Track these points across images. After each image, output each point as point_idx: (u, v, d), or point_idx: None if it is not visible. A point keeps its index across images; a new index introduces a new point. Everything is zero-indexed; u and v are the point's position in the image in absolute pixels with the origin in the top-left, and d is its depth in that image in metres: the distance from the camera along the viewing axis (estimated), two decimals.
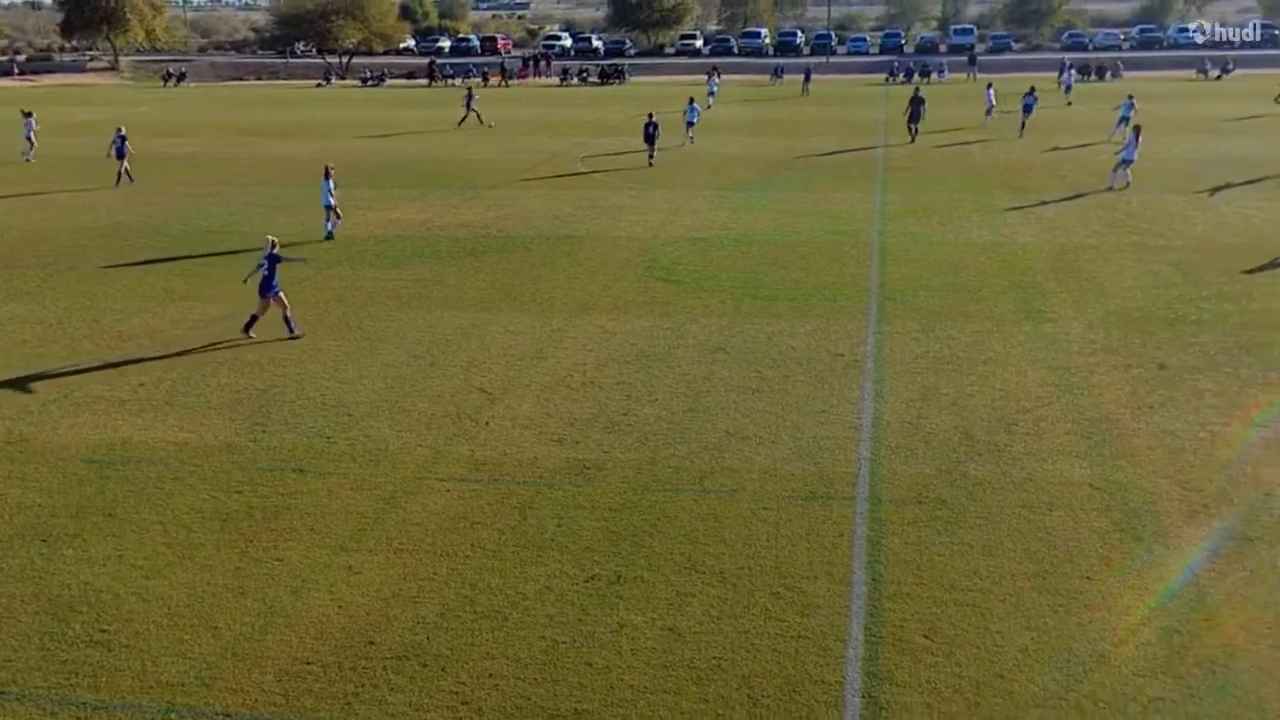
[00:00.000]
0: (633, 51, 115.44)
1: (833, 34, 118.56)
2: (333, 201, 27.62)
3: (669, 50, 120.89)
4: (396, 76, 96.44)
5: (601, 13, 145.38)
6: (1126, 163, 33.23)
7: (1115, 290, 21.58)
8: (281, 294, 19.25)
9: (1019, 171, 37.28)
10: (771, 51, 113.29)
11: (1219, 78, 79.82)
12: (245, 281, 19.92)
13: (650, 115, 40.63)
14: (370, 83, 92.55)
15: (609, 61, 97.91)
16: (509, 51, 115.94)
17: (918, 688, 9.36)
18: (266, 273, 18.92)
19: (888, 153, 43.17)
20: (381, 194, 34.26)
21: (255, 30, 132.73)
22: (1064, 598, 10.66)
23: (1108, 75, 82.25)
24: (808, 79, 75.32)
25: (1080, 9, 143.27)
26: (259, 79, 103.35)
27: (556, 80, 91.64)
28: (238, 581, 11.33)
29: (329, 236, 27.79)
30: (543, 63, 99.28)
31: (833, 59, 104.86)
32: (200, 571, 11.56)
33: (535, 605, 10.76)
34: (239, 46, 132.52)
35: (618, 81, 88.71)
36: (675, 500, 12.94)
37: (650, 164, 39.32)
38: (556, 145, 46.82)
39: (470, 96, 55.94)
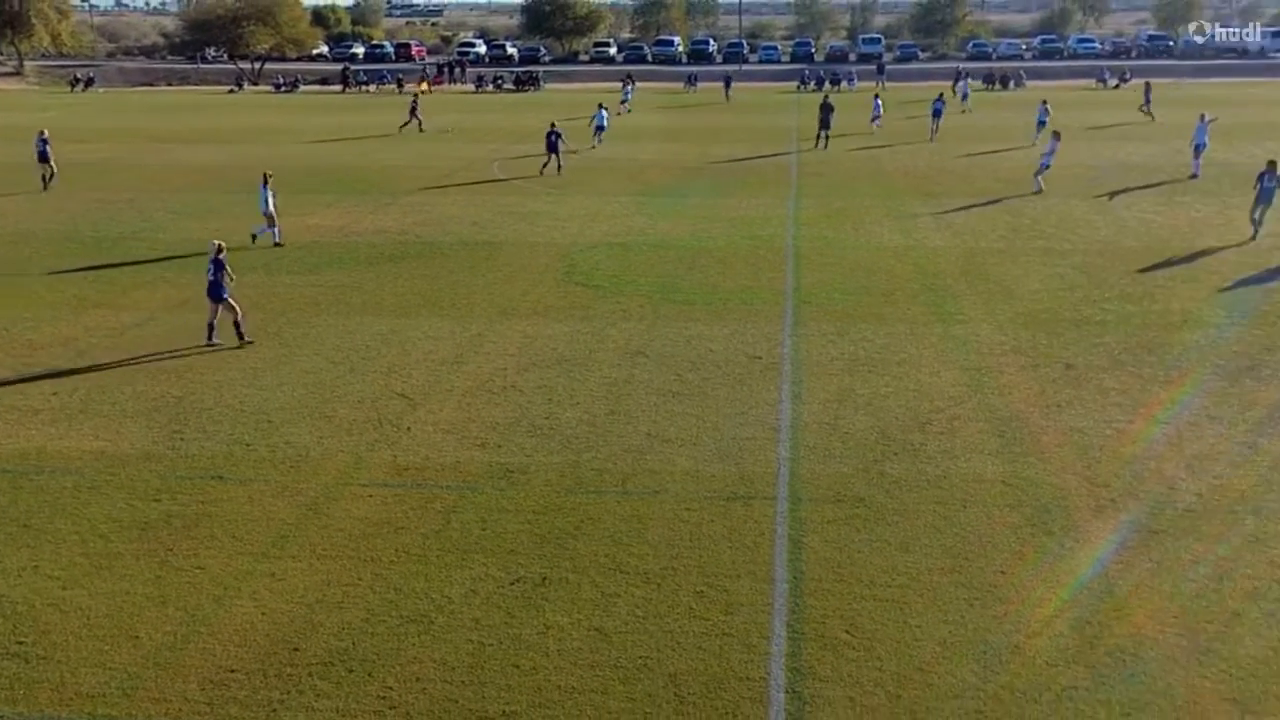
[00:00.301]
0: (547, 59, 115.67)
1: (745, 42, 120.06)
2: (271, 209, 27.26)
3: (583, 58, 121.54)
4: (310, 83, 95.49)
5: (515, 20, 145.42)
6: (1045, 167, 34.21)
7: (1022, 292, 22.13)
8: (232, 299, 18.96)
9: (928, 177, 38.04)
10: (685, 59, 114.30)
11: (1117, 86, 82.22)
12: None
13: (552, 124, 40.51)
14: (283, 89, 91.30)
15: (524, 68, 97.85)
16: (424, 58, 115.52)
17: (840, 682, 9.51)
18: (212, 277, 18.69)
19: (800, 159, 43.74)
20: (297, 200, 33.76)
21: (165, 35, 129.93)
22: (979, 591, 10.90)
23: (1011, 84, 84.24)
24: (728, 86, 76.41)
25: (984, 19, 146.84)
26: (169, 84, 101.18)
27: (472, 87, 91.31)
28: (158, 590, 11.13)
29: (276, 244, 27.45)
30: (458, 69, 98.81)
31: (745, 67, 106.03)
32: (119, 581, 11.33)
33: (461, 609, 10.74)
34: (148, 52, 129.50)
35: (533, 88, 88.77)
36: (599, 502, 13.00)
37: (559, 173, 39.14)
38: (473, 152, 46.61)
39: (415, 103, 56.01)
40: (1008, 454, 14.20)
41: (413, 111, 54.98)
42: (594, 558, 11.69)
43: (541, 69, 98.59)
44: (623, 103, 62.66)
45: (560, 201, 33.83)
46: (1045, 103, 48.41)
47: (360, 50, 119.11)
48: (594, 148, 46.48)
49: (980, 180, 37.09)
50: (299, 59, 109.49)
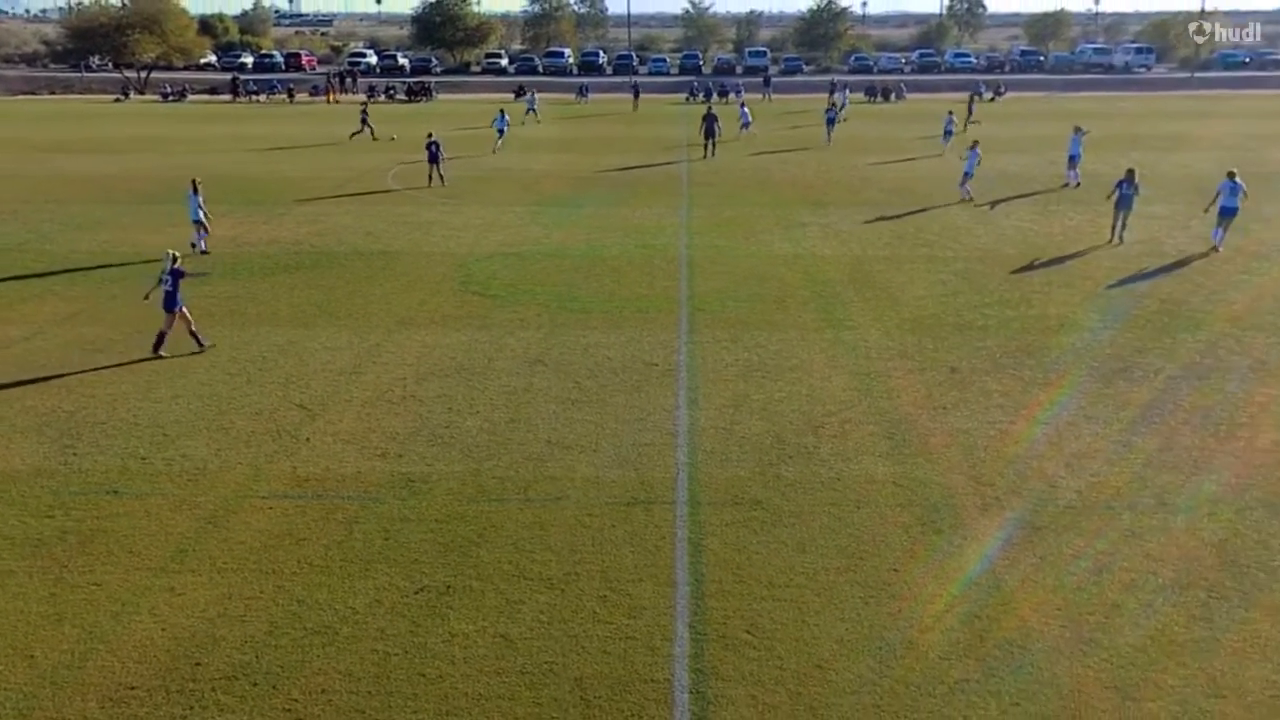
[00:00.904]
0: (439, 69, 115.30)
1: (634, 54, 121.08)
2: (202, 216, 27.03)
3: (475, 69, 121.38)
4: (199, 92, 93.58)
5: (406, 31, 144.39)
6: (969, 175, 35.27)
7: (908, 299, 22.75)
8: (184, 308, 18.82)
9: (815, 187, 38.78)
10: (575, 71, 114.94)
11: (992, 99, 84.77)
12: (146, 298, 19.22)
13: (430, 135, 40.48)
14: (172, 98, 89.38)
15: (416, 79, 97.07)
16: (314, 68, 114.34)
17: (742, 681, 9.71)
18: (169, 288, 18.50)
19: (691, 169, 44.24)
20: (187, 210, 33.03)
21: (46, 43, 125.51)
22: (874, 589, 11.22)
23: (892, 97, 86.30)
24: (637, 96, 78.58)
25: (865, 34, 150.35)
26: (53, 93, 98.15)
27: (364, 97, 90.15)
28: (53, 608, 10.86)
29: (203, 252, 27.10)
30: (348, 80, 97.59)
31: (636, 79, 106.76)
32: (12, 599, 11.03)
33: (365, 619, 10.70)
34: (30, 60, 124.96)
35: (425, 99, 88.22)
36: (501, 510, 13.04)
37: (443, 183, 38.93)
38: (366, 162, 46.12)
39: (365, 112, 56.21)
40: (898, 455, 14.61)
41: (364, 121, 55.21)
42: (498, 565, 11.73)
43: (434, 79, 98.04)
44: (528, 112, 62.66)
45: (455, 211, 33.69)
46: (951, 114, 50.73)
47: (249, 60, 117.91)
48: (495, 151, 48.28)
49: (865, 190, 37.97)
50: (186, 68, 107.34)
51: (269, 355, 19.02)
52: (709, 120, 48.14)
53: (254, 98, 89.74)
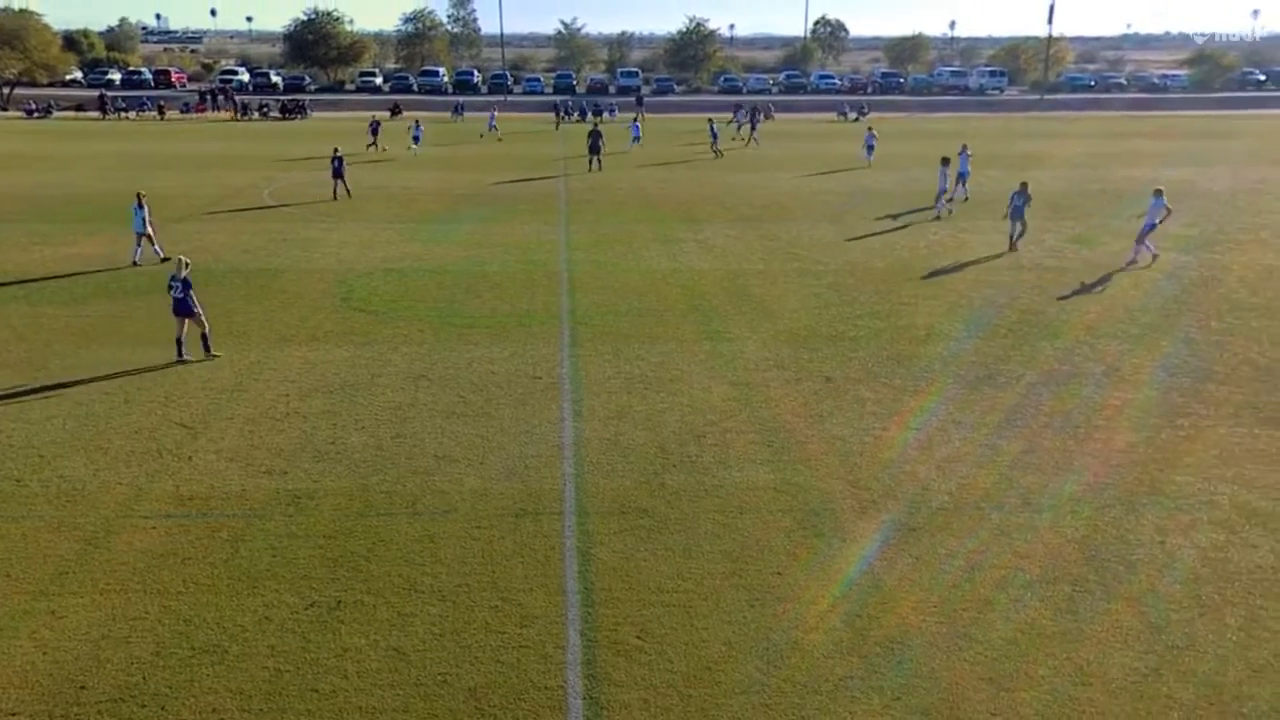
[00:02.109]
0: (313, 87, 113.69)
1: (509, 74, 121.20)
2: (148, 229, 26.94)
3: (349, 87, 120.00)
4: (65, 108, 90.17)
5: (279, 48, 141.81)
6: (944, 191, 36.65)
7: (782, 311, 23.30)
8: (201, 313, 19.38)
9: (690, 204, 39.37)
10: (450, 90, 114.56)
11: (856, 119, 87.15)
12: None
13: (335, 150, 40.56)
14: (36, 114, 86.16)
15: (290, 97, 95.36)
16: (183, 85, 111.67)
17: (634, 686, 9.88)
18: (180, 295, 18.98)
19: (569, 186, 44.48)
20: (58, 229, 32.14)
21: None
22: (759, 593, 11.50)
23: (761, 117, 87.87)
24: (559, 114, 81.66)
25: (733, 55, 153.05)
26: None
27: (236, 114, 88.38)
28: None
29: (134, 263, 27.13)
30: (220, 97, 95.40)
31: (510, 98, 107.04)
32: None
33: (255, 636, 10.58)
34: None
35: (299, 116, 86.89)
36: (390, 524, 13.00)
37: (349, 195, 39.33)
38: (241, 179, 45.22)
39: (376, 125, 57.87)
40: (777, 462, 14.99)
41: (374, 133, 57.07)
42: (388, 579, 11.72)
43: (308, 98, 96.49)
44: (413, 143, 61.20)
45: (334, 228, 33.31)
46: (872, 130, 54.29)
47: (117, 76, 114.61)
48: (415, 155, 53.99)
49: (738, 207, 38.68)
50: (51, 84, 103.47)
51: (147, 374, 18.59)
52: (594, 137, 50.09)
53: (123, 114, 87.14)
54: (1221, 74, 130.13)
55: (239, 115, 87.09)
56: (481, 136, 60.08)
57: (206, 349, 19.55)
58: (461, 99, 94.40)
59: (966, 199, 39.68)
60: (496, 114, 70.78)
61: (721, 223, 35.05)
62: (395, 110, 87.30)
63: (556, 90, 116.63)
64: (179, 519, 13.05)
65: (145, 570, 11.81)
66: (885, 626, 10.89)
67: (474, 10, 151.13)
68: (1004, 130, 76.07)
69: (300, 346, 20.40)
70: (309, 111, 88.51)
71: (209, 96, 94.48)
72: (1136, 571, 11.97)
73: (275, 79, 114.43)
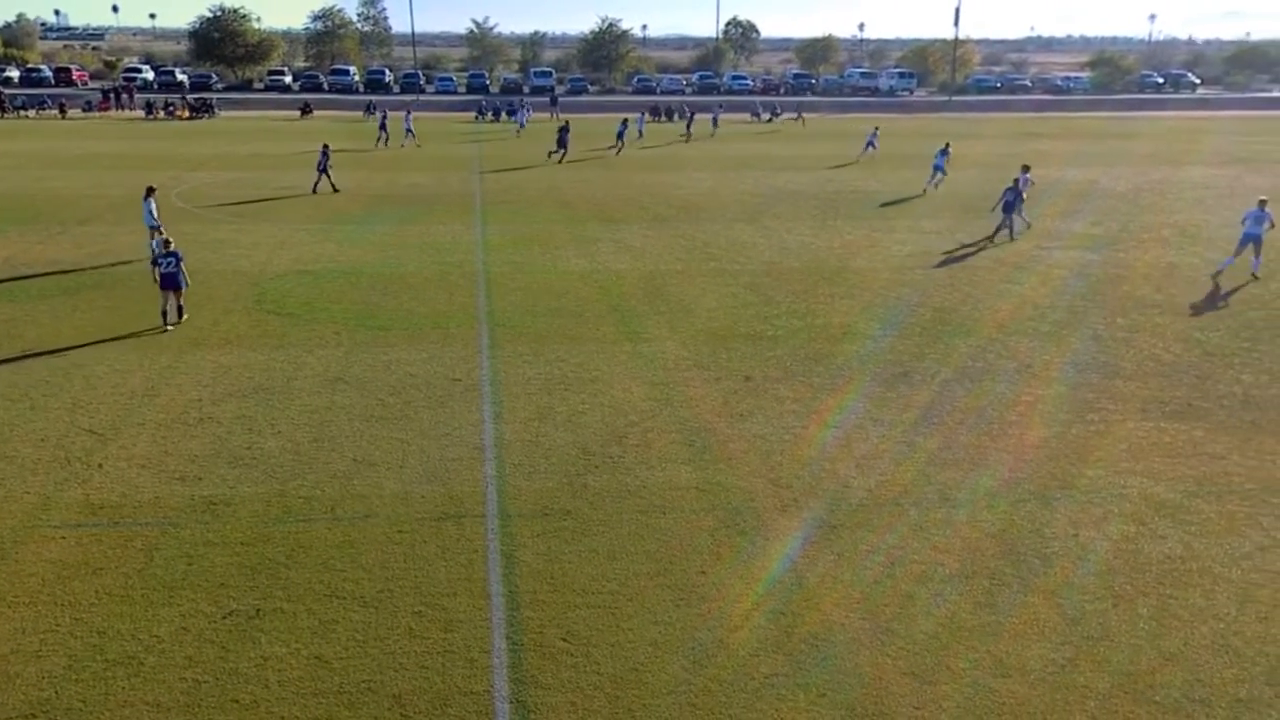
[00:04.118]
0: (220, 86, 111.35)
1: (421, 73, 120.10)
2: (155, 223, 26.66)
3: (258, 85, 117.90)
4: None
5: (184, 46, 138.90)
6: (939, 169, 42.43)
7: (701, 311, 23.40)
8: (187, 284, 21.55)
9: (606, 204, 39.38)
10: (362, 89, 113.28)
11: (769, 120, 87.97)
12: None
13: (325, 146, 42.44)
14: None
15: (197, 95, 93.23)
16: (85, 83, 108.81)
17: (561, 689, 9.83)
18: (171, 269, 20.90)
19: (485, 187, 44.16)
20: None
21: None
22: (684, 592, 11.52)
23: (676, 117, 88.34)
24: (512, 114, 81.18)
25: (646, 55, 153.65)
26: None
27: (141, 113, 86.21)
28: None
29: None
30: (124, 95, 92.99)
31: (423, 97, 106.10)
32: None
33: (172, 647, 10.31)
34: None
35: (207, 115, 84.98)
36: (309, 530, 12.78)
37: (334, 190, 40.72)
38: (149, 180, 43.92)
39: (384, 113, 60.60)
40: (699, 462, 15.03)
41: (382, 126, 59.97)
42: (308, 585, 11.51)
43: (215, 96, 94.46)
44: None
45: (245, 230, 32.67)
46: (876, 129, 58.25)
47: (15, 74, 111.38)
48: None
49: (654, 206, 38.78)
50: None
51: (53, 379, 18.04)
52: (563, 131, 53.83)
53: (22, 113, 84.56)
54: (1121, 76, 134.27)
55: (148, 114, 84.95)
56: (402, 146, 59.18)
57: (180, 315, 21.52)
58: (374, 98, 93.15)
59: (937, 187, 43.41)
60: (412, 114, 68.98)
61: (638, 223, 35.11)
62: (306, 110, 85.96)
63: (470, 90, 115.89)
64: (90, 528, 12.67)
65: (55, 582, 11.45)
66: (809, 623, 10.96)
67: (384, 9, 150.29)
68: (916, 131, 77.29)
69: (213, 350, 19.97)
70: (217, 110, 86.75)
71: (113, 95, 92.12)
72: (1052, 564, 12.23)
73: (181, 77, 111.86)
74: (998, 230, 32.17)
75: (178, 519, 12.99)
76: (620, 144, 57.98)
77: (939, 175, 43.64)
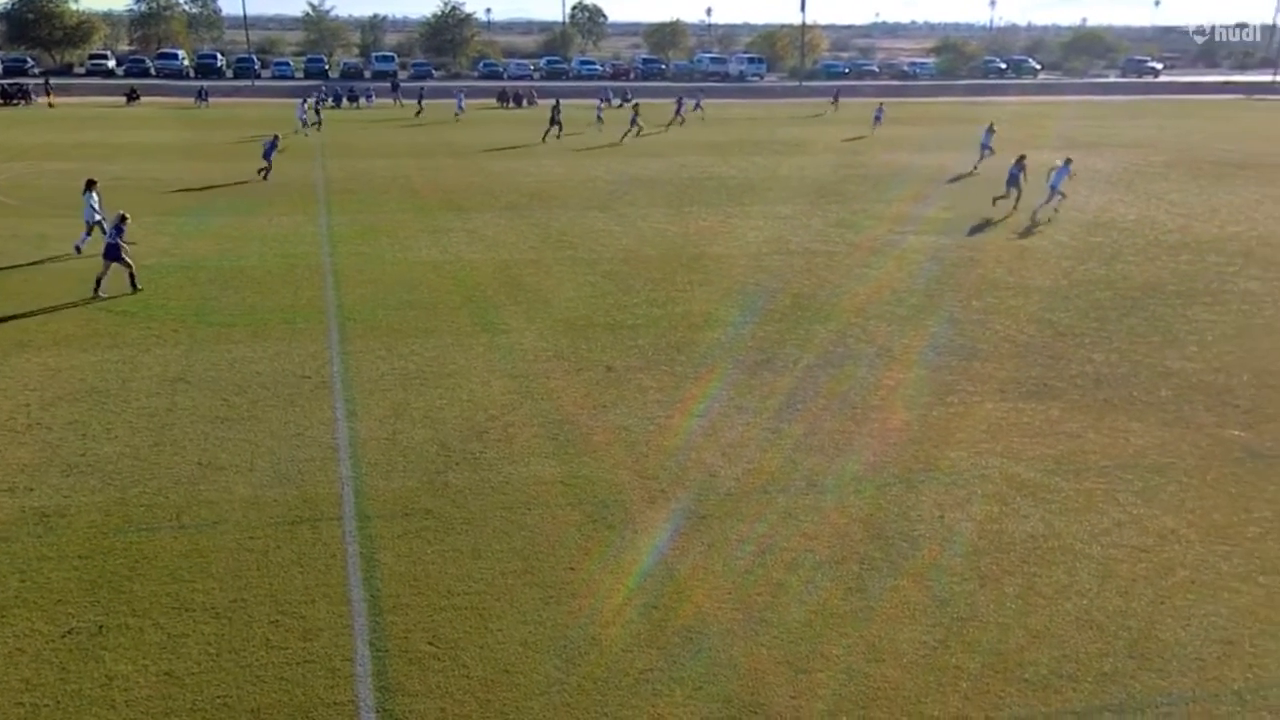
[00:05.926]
0: (37, 71, 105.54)
1: (255, 58, 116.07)
2: (98, 217, 25.68)
3: (79, 70, 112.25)
4: None
5: None
6: (986, 147, 45.81)
7: (558, 301, 23.08)
8: (127, 257, 22.64)
9: (455, 192, 38.66)
10: (192, 74, 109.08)
11: (620, 106, 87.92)
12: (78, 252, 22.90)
13: (275, 136, 42.21)
14: None
15: (12, 81, 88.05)
16: None
17: (429, 694, 9.46)
18: (113, 240, 22.17)
19: (328, 175, 42.89)
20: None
21: None
22: (553, 590, 11.23)
23: (524, 103, 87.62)
24: (414, 98, 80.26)
25: (491, 40, 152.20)
26: None
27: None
28: None
29: (78, 251, 25.89)
30: None
31: (257, 83, 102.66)
32: None
33: (6, 671, 9.54)
34: None
35: (23, 102, 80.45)
36: (153, 539, 12.02)
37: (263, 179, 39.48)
38: None
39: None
40: (563, 455, 14.74)
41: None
42: (155, 598, 10.80)
43: (32, 81, 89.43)
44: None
45: (71, 224, 30.73)
46: (882, 106, 65.50)
47: None
48: (306, 136, 56.88)
49: (505, 194, 38.24)
50: None
51: None
52: (555, 110, 58.46)
53: None
54: (966, 62, 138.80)
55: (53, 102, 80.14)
56: (306, 134, 57.23)
57: (134, 285, 22.75)
58: (205, 84, 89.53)
59: (979, 166, 45.91)
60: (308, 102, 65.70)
61: (490, 211, 34.53)
62: (132, 96, 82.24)
63: (308, 75, 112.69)
64: None
65: None
66: (682, 616, 10.79)
67: None
68: (767, 116, 78.38)
69: (40, 351, 18.75)
70: (34, 97, 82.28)
71: None
72: (919, 547, 12.32)
73: None
74: (1013, 202, 35.21)
75: (8, 533, 12.08)
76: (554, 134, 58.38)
77: (986, 153, 46.15)
